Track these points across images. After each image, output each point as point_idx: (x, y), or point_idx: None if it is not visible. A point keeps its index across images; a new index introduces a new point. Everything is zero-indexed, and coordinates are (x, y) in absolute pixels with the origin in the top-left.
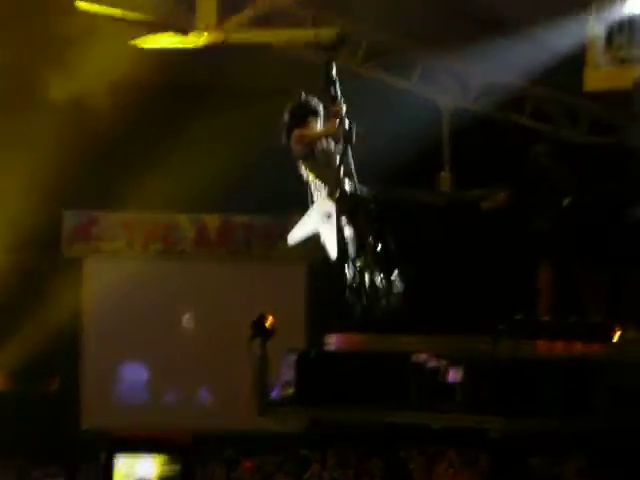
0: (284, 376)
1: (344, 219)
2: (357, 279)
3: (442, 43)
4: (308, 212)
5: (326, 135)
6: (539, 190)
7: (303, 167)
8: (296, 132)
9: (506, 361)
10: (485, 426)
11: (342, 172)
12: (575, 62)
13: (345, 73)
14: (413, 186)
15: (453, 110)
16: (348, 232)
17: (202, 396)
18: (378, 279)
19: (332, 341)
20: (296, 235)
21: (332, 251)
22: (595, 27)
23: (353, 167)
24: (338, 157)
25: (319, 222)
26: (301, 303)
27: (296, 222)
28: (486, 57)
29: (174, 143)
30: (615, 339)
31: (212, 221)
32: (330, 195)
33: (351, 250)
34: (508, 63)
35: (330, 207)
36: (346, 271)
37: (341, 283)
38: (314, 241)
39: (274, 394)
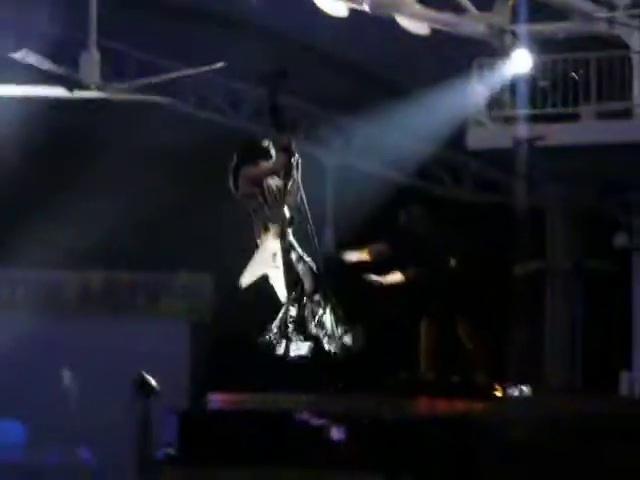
0: (165, 436)
1: (293, 255)
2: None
3: (326, 101)
4: (254, 256)
5: (274, 171)
6: (411, 249)
7: (250, 208)
8: (245, 171)
9: (389, 420)
10: None
11: (288, 210)
12: (460, 122)
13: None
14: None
15: (337, 167)
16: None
17: (83, 456)
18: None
19: (215, 400)
20: (246, 280)
21: (281, 291)
22: (477, 87)
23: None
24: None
25: (265, 265)
26: (185, 361)
27: (180, 279)
28: (372, 117)
29: (59, 199)
30: (497, 397)
31: (96, 278)
32: (277, 235)
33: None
34: (393, 122)
35: (276, 246)
36: (288, 309)
37: (225, 341)
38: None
39: (159, 454)
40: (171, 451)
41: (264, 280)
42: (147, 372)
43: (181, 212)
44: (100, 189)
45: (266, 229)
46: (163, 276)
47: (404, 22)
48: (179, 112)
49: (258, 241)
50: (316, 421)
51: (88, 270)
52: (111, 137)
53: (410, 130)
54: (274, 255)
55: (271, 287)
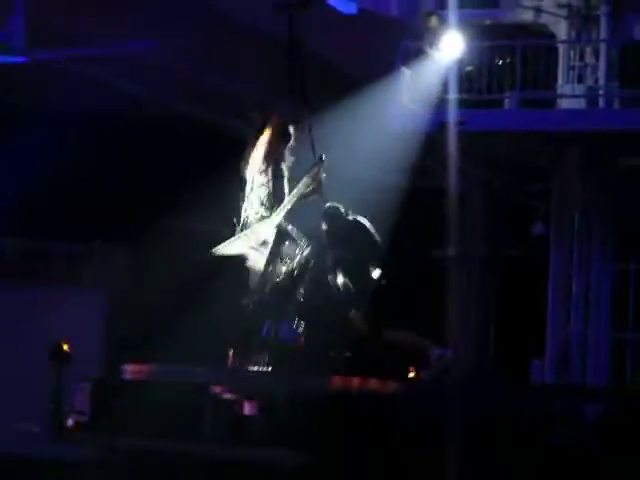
0: (78, 404)
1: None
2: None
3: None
4: (240, 233)
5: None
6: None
7: (257, 182)
8: (266, 144)
9: (299, 396)
10: (277, 460)
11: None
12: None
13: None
14: None
15: None
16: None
17: None
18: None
19: (128, 370)
20: (223, 250)
21: (254, 277)
22: (404, 71)
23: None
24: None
25: (249, 247)
26: (100, 331)
27: (97, 249)
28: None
29: None
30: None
31: (12, 246)
32: (278, 225)
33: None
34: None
35: (269, 235)
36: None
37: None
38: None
39: (70, 421)
40: (82, 419)
41: (240, 258)
42: (62, 341)
43: (102, 182)
44: (18, 156)
45: (262, 205)
46: (80, 246)
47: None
48: (101, 81)
49: (245, 212)
50: (229, 395)
51: (3, 238)
52: (32, 103)
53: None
54: (264, 242)
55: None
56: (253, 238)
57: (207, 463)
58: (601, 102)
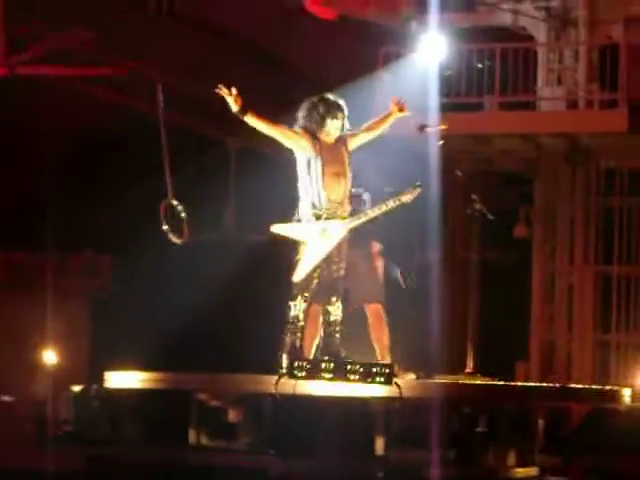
0: (63, 413)
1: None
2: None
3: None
4: (303, 217)
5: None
6: None
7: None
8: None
9: (286, 401)
10: (264, 465)
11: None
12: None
13: None
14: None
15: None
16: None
17: None
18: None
19: (112, 378)
20: (279, 229)
21: (303, 267)
22: (383, 76)
23: None
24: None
25: (309, 233)
26: (85, 339)
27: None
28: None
29: None
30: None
31: None
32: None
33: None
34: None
35: (333, 226)
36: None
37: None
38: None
39: (55, 431)
40: (68, 428)
41: (297, 244)
42: (47, 350)
43: (86, 192)
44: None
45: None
46: (63, 254)
47: (312, 7)
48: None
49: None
50: (215, 402)
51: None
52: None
53: None
54: (323, 230)
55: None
56: (313, 227)
57: (193, 470)
58: (581, 104)
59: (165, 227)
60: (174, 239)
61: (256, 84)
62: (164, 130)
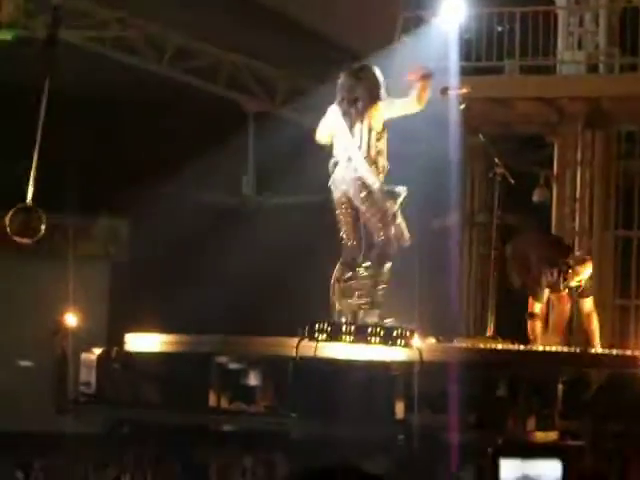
0: (83, 376)
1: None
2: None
3: (248, 48)
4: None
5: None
6: None
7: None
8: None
9: (307, 363)
10: (284, 428)
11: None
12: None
13: None
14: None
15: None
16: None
17: None
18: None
19: (132, 341)
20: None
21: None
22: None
23: None
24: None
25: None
26: (104, 302)
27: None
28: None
29: None
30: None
31: (13, 219)
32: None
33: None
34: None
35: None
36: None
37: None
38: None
39: (76, 393)
40: (87, 391)
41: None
42: (66, 313)
43: (102, 155)
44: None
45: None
46: (82, 219)
47: None
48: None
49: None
50: (235, 365)
51: (4, 211)
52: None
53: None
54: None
55: None
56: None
57: (214, 433)
58: (601, 68)
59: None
60: (24, 241)
61: (271, 47)
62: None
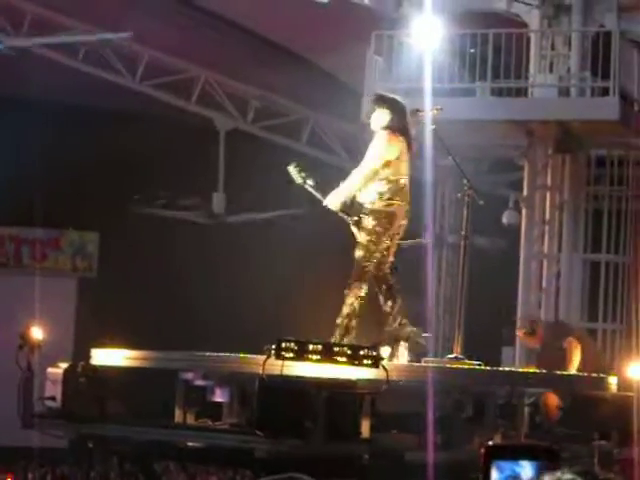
0: (49, 390)
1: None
2: None
3: (222, 65)
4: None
5: None
6: None
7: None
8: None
9: (273, 381)
10: (249, 446)
11: None
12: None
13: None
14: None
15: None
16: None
17: None
18: None
19: (98, 356)
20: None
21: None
22: (373, 57)
23: None
24: None
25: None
26: (71, 317)
27: (69, 236)
28: (266, 81)
29: None
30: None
31: None
32: None
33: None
34: (289, 88)
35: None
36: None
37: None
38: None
39: (41, 408)
40: (52, 405)
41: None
42: (32, 327)
43: (72, 170)
44: None
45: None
46: (49, 232)
47: None
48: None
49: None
50: (201, 381)
51: None
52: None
53: (305, 101)
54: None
55: None
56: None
57: (178, 449)
58: (573, 92)
59: None
60: None
61: (245, 63)
62: None
